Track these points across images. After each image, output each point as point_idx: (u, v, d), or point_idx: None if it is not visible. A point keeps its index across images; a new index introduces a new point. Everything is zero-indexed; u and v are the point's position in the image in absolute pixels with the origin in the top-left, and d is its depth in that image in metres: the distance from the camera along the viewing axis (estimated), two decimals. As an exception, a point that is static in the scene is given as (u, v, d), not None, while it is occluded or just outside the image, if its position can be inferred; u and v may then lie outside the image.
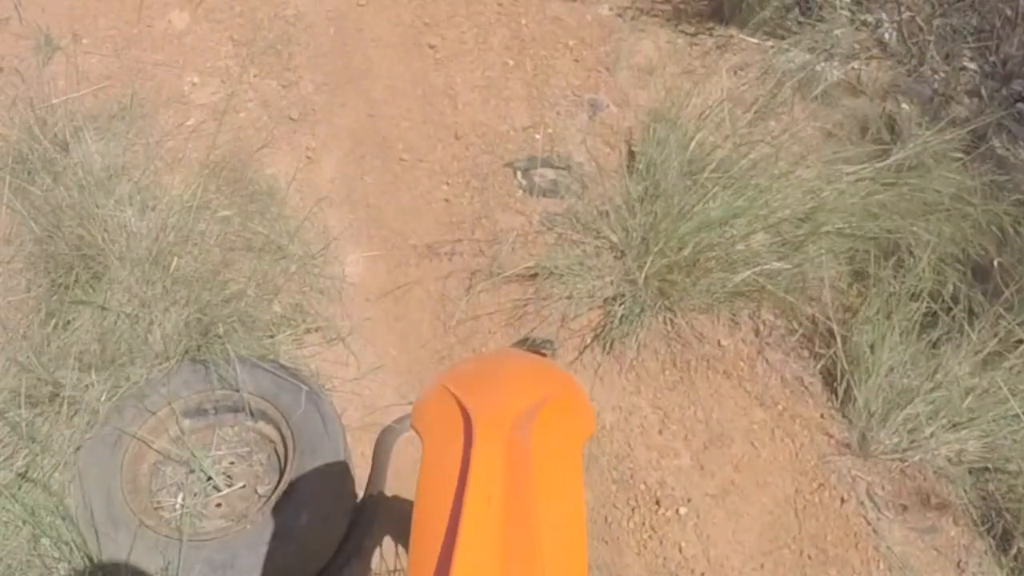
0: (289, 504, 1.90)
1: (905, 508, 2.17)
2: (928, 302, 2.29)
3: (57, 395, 2.07)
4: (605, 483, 2.16)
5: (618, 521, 2.10)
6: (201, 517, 1.98)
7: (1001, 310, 2.22)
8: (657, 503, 2.13)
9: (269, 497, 1.96)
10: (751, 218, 2.37)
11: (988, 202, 2.46)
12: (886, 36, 3.27)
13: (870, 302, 2.33)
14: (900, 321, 2.26)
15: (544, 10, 3.28)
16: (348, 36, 3.15)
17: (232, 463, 2.08)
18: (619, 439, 2.24)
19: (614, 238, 2.51)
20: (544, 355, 1.81)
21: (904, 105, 3.04)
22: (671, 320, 2.43)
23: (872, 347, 2.27)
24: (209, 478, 2.04)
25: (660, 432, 2.26)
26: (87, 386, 2.08)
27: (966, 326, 2.24)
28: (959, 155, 2.62)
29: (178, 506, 2.00)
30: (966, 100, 3.11)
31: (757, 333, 2.45)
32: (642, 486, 2.16)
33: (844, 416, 2.30)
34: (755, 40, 3.22)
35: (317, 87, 2.99)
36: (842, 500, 2.15)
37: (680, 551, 2.05)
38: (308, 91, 2.98)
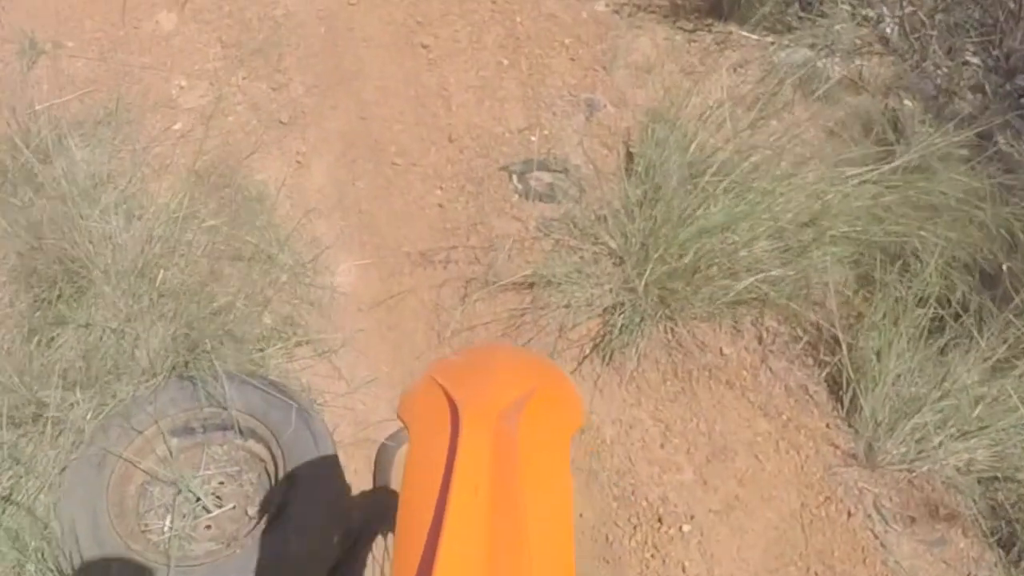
0: (280, 526, 1.84)
1: (913, 520, 2.12)
2: (936, 308, 2.24)
3: (41, 415, 2.01)
4: (606, 500, 2.11)
5: (619, 540, 2.05)
6: (190, 540, 1.92)
7: (1011, 316, 2.17)
8: (659, 520, 2.08)
9: (260, 519, 1.90)
10: (753, 223, 2.31)
11: (996, 205, 2.40)
12: (888, 31, 3.21)
13: (876, 308, 2.26)
14: (907, 327, 2.21)
15: (539, 7, 3.20)
16: (339, 36, 3.07)
17: (221, 483, 2.02)
18: (620, 453, 2.18)
19: (613, 244, 2.45)
20: None
21: (907, 102, 2.98)
22: (672, 329, 2.37)
23: (878, 354, 2.21)
24: (198, 499, 1.98)
25: (662, 446, 2.20)
26: (72, 405, 2.02)
27: (975, 332, 2.19)
28: (965, 155, 2.56)
29: (166, 528, 1.94)
30: (969, 96, 3.06)
31: (760, 341, 2.39)
32: (644, 503, 2.10)
33: (850, 426, 2.24)
34: (755, 36, 3.15)
35: (307, 89, 2.92)
36: (849, 513, 2.10)
37: (683, 571, 2.00)
38: (298, 93, 2.90)
